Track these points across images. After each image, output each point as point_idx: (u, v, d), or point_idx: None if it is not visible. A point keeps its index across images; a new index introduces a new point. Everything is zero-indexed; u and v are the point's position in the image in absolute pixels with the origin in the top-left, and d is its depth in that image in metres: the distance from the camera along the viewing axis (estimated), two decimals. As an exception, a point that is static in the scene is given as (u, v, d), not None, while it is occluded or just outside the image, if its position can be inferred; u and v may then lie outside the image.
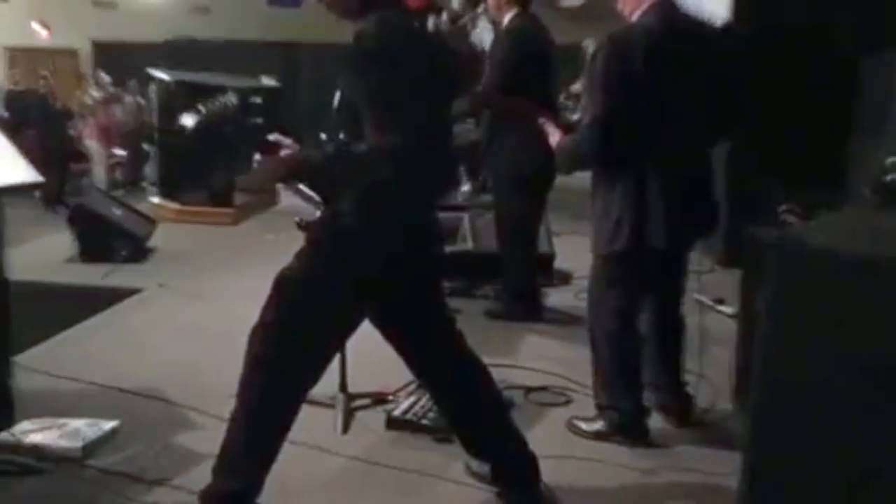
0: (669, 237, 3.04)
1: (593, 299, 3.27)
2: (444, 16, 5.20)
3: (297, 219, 2.84)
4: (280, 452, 2.51)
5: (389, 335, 2.68)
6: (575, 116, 3.98)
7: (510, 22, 4.62)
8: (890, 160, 2.32)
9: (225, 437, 2.48)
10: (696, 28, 3.16)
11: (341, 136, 2.35)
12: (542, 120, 3.47)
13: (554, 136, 3.36)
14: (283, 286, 2.46)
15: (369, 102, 2.31)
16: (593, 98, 3.03)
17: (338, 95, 2.43)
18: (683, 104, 3.02)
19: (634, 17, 3.09)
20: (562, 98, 5.22)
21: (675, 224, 3.03)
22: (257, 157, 2.50)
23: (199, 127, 2.52)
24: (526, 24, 4.61)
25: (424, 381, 2.88)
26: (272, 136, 2.49)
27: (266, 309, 2.47)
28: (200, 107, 2.65)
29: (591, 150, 3.04)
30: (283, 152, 2.46)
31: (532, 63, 4.52)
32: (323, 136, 2.48)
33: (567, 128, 3.37)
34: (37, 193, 8.56)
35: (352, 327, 2.67)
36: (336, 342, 2.55)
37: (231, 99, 2.59)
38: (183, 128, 2.56)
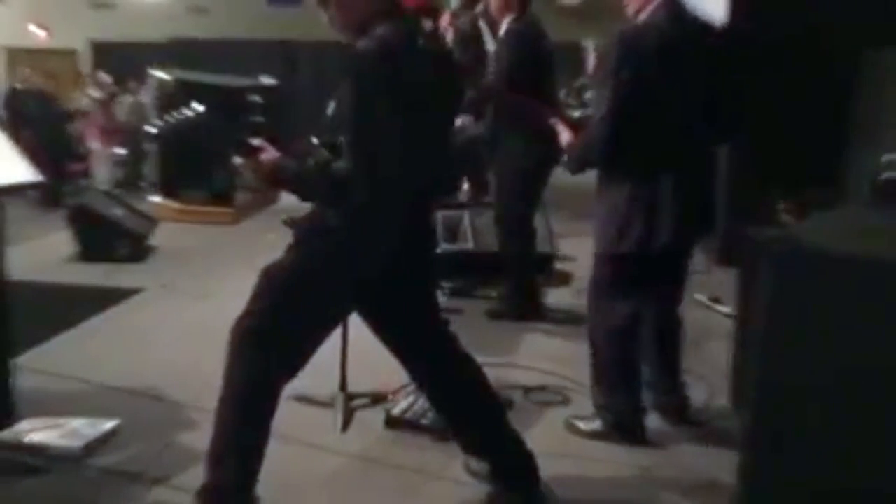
0: (677, 238, 3.05)
1: (594, 298, 3.27)
2: (445, 18, 5.19)
3: (284, 216, 2.86)
4: (278, 450, 2.52)
5: (384, 337, 2.69)
6: (577, 114, 3.97)
7: (509, 25, 4.62)
8: (885, 158, 2.33)
9: (213, 430, 2.49)
10: (702, 28, 3.16)
11: (340, 140, 2.36)
12: (553, 119, 3.46)
13: (564, 135, 3.36)
14: (269, 280, 2.49)
15: (351, 123, 2.31)
16: (602, 97, 3.04)
17: (332, 102, 2.44)
18: (692, 104, 3.01)
19: (642, 17, 3.08)
20: (563, 95, 5.22)
21: (682, 225, 3.04)
22: (238, 160, 2.51)
23: (163, 134, 2.55)
24: (524, 27, 4.61)
25: (420, 383, 2.88)
26: (256, 141, 2.49)
27: (251, 301, 2.50)
28: (167, 117, 2.69)
29: (601, 147, 3.04)
30: (264, 156, 2.46)
31: (531, 65, 4.52)
32: (314, 139, 2.49)
33: (576, 125, 3.37)
34: (31, 193, 8.55)
35: (335, 324, 2.69)
36: (318, 337, 2.57)
37: (197, 109, 2.60)
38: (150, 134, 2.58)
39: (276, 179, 2.50)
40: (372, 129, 2.30)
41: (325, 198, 2.43)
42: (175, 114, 2.44)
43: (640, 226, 3.03)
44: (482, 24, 5.22)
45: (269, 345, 2.45)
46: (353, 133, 2.31)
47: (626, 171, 3.07)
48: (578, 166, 3.26)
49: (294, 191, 2.51)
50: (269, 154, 2.47)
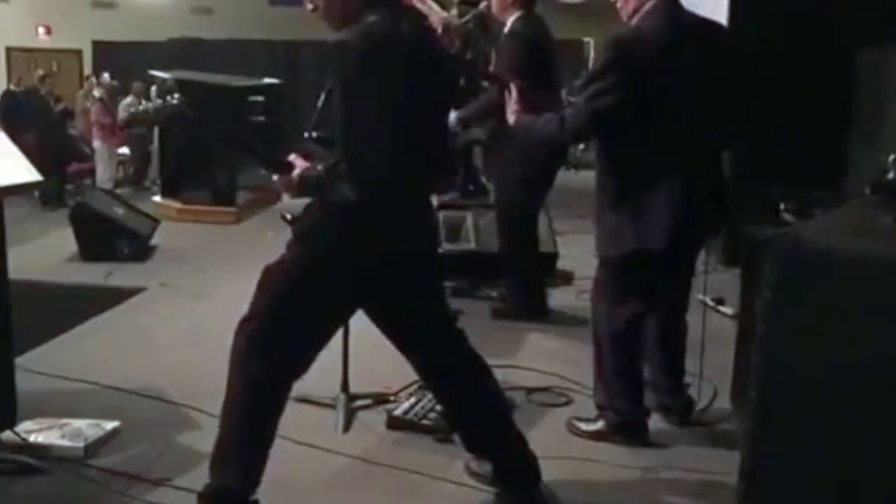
0: (673, 240, 3.04)
1: (597, 300, 3.26)
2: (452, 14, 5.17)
3: (285, 214, 2.85)
4: (280, 451, 2.52)
5: (391, 336, 2.68)
6: None
7: (514, 24, 4.58)
8: (891, 158, 2.32)
9: (218, 432, 2.49)
10: (703, 28, 3.13)
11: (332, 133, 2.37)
12: (513, 85, 3.45)
13: (511, 113, 3.37)
14: (270, 279, 2.49)
15: (339, 113, 2.31)
16: (586, 92, 3.04)
17: (323, 95, 2.43)
18: (693, 106, 3.00)
19: (636, 20, 3.07)
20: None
21: (679, 228, 3.02)
22: (274, 177, 2.50)
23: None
24: (529, 25, 4.58)
25: (427, 381, 2.88)
26: (291, 157, 2.47)
27: (253, 303, 2.50)
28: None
29: (566, 138, 3.35)
30: (295, 173, 2.44)
31: (538, 65, 4.50)
32: (306, 133, 2.49)
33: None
34: (36, 193, 8.59)
35: (339, 322, 2.68)
36: (323, 336, 2.56)
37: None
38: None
39: (302, 190, 2.49)
40: (360, 119, 2.28)
41: (342, 196, 2.39)
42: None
43: (640, 228, 3.02)
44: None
45: (273, 347, 2.44)
46: (342, 124, 2.30)
47: (626, 173, 3.06)
48: (527, 140, 3.60)
49: (318, 196, 2.49)
50: (298, 168, 2.45)
